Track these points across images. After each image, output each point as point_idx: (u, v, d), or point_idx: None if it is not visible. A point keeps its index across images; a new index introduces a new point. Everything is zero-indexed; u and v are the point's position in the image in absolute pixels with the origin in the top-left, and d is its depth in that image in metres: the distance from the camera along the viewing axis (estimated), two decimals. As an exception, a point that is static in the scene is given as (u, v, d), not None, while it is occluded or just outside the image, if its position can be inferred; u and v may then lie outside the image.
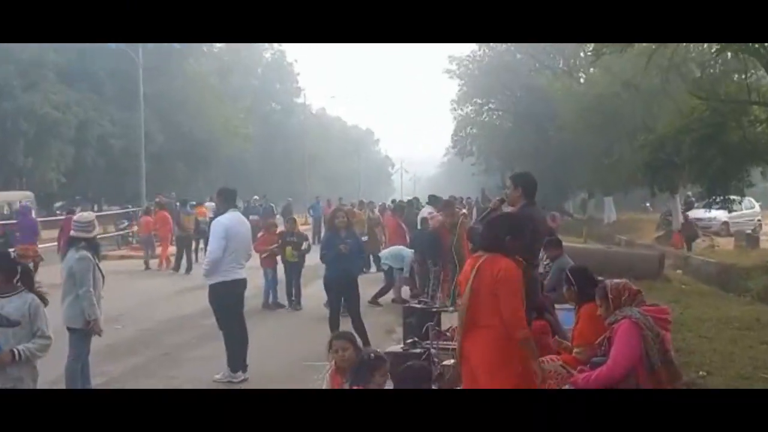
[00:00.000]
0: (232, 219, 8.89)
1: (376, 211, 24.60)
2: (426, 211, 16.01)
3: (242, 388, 8.19)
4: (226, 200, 9.11)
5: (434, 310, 9.41)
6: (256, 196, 33.87)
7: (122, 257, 24.23)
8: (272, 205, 32.63)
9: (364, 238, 15.01)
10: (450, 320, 9.03)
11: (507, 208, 6.78)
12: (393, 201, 28.74)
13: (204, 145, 43.52)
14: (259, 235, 15.10)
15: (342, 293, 10.21)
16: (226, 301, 8.76)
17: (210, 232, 9.00)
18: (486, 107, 49.36)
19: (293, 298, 14.27)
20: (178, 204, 23.64)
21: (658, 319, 5.27)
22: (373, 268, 18.29)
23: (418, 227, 15.06)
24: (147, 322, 12.78)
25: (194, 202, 24.59)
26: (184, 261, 20.50)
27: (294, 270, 14.30)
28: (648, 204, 40.76)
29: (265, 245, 14.45)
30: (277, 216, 31.69)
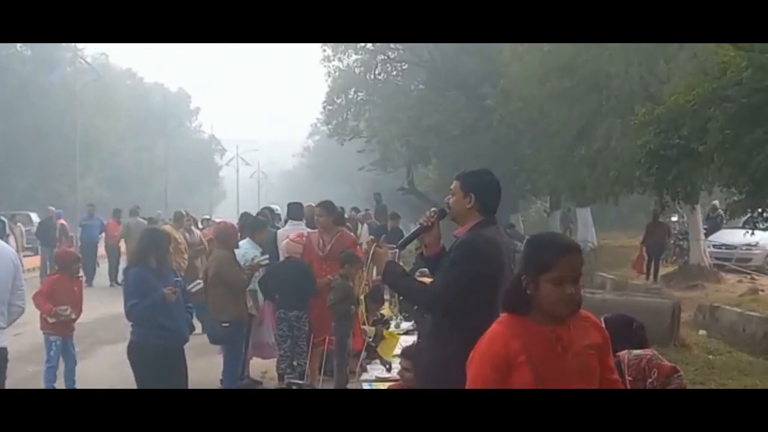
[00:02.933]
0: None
1: (197, 231, 23.40)
2: (288, 232, 15.52)
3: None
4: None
5: (309, 396, 9.40)
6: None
7: None
8: (2, 219, 31.39)
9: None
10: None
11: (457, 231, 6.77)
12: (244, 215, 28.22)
13: None
14: (50, 277, 14.10)
15: (163, 375, 9.71)
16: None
17: None
18: (381, 57, 49.73)
19: None
20: None
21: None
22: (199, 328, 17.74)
23: (280, 258, 14.81)
24: None
25: None
26: None
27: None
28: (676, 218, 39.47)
29: (59, 300, 12.76)
30: (24, 242, 30.88)
